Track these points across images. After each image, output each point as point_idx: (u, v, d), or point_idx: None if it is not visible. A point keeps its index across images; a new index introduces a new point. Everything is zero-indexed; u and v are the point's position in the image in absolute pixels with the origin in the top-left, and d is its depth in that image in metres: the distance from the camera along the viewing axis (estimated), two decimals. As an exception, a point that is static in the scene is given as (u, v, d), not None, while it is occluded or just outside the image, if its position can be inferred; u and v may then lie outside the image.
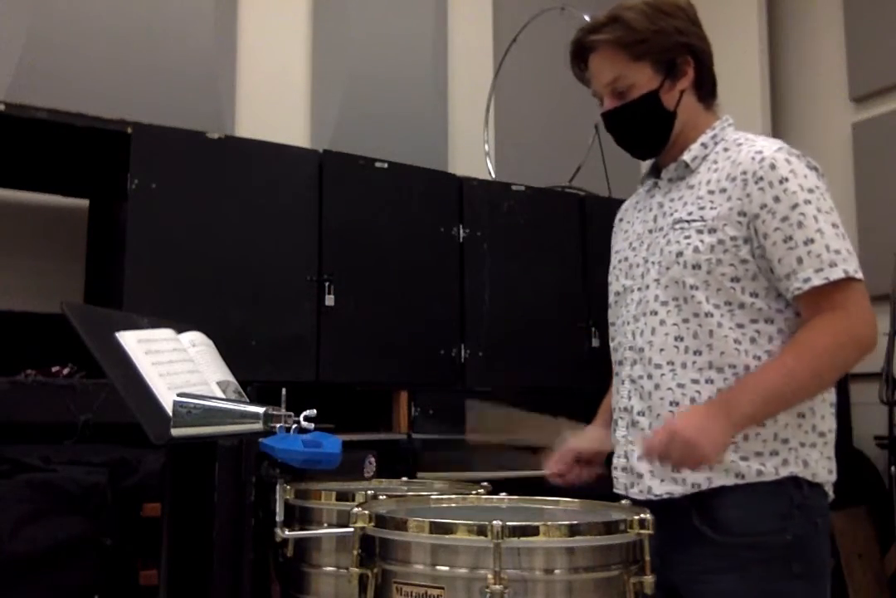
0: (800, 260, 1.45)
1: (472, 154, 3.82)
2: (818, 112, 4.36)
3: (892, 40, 3.92)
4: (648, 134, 1.62)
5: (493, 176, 3.70)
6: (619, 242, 1.74)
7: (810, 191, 1.47)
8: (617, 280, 1.70)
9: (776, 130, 4.38)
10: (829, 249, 1.44)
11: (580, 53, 1.64)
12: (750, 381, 1.45)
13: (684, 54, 1.58)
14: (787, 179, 1.47)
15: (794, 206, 1.46)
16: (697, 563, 1.47)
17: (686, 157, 1.60)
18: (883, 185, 3.92)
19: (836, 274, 1.43)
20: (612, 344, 1.71)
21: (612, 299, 1.72)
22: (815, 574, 1.47)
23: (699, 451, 1.36)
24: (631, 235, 1.70)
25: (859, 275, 1.46)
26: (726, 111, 1.65)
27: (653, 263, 1.59)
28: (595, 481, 1.63)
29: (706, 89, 1.64)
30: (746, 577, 1.44)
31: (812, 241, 1.45)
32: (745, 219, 1.49)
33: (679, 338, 1.52)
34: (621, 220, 1.81)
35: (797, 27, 4.49)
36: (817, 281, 1.44)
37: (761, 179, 1.48)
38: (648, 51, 1.56)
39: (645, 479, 1.54)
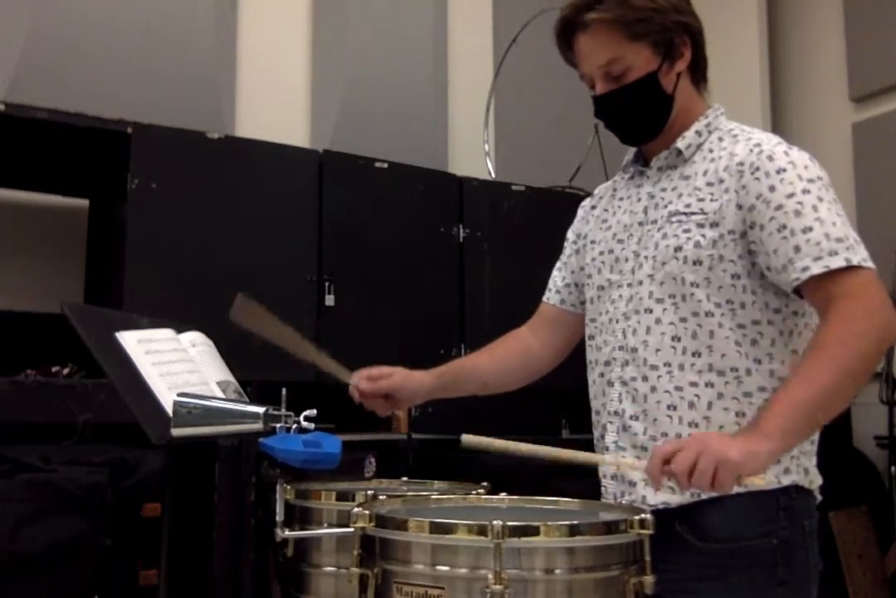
0: (797, 249, 1.34)
1: (472, 154, 3.82)
2: (818, 112, 4.36)
3: (892, 40, 3.92)
4: (646, 119, 1.50)
5: (493, 176, 3.70)
6: (598, 232, 1.62)
7: (810, 181, 1.38)
8: (599, 274, 1.58)
9: (776, 130, 4.36)
10: (830, 238, 1.33)
11: (567, 32, 1.52)
12: (775, 398, 1.29)
13: (682, 34, 1.48)
14: (784, 170, 1.39)
15: (791, 195, 1.37)
16: (680, 571, 1.37)
17: (680, 144, 1.50)
18: (883, 185, 3.91)
19: (837, 263, 1.32)
20: (590, 342, 1.60)
21: (592, 293, 1.60)
22: (800, 581, 1.40)
23: (732, 465, 1.15)
24: (615, 225, 1.58)
25: (868, 264, 1.35)
26: (726, 110, 1.58)
27: (646, 257, 1.48)
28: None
29: (700, 72, 1.54)
30: (729, 585, 1.37)
31: (810, 229, 1.34)
32: (741, 212, 1.41)
33: (676, 338, 1.42)
34: (594, 207, 1.69)
35: (797, 27, 4.49)
36: (816, 270, 1.33)
37: (758, 169, 1.40)
38: (648, 30, 1.44)
39: (638, 488, 1.43)
